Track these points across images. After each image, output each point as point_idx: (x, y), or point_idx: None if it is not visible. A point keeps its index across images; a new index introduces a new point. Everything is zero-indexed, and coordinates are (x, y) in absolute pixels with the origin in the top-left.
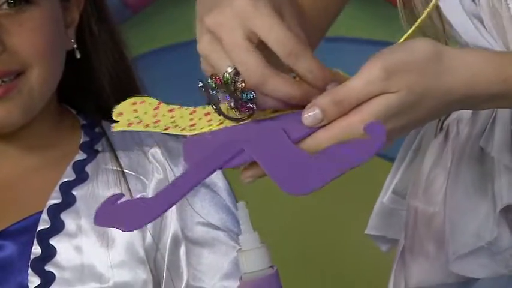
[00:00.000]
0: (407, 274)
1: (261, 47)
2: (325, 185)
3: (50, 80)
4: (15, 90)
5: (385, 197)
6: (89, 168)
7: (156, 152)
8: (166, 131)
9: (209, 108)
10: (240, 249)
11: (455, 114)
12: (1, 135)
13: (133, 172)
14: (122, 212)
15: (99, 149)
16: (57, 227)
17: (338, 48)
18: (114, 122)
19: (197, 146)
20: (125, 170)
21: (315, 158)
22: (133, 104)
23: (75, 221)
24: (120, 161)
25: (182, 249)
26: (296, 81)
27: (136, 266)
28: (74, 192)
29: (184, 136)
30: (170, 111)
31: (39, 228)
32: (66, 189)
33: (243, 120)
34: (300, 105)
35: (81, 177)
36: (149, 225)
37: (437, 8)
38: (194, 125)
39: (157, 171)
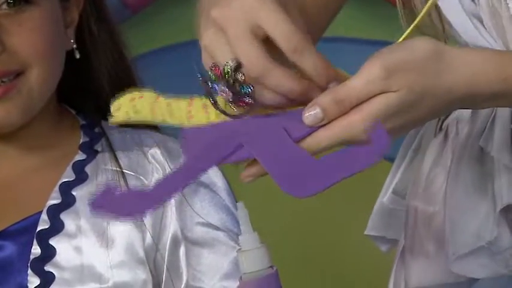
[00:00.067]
0: (407, 274)
1: (265, 44)
2: (326, 189)
3: (50, 80)
4: (14, 91)
5: (385, 197)
6: (88, 169)
7: (155, 152)
8: (164, 122)
9: (206, 100)
10: (240, 249)
11: (454, 114)
12: (0, 136)
13: (133, 172)
14: (119, 203)
15: (99, 149)
16: (56, 227)
17: (337, 48)
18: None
19: (195, 138)
20: (124, 171)
21: (318, 161)
22: (132, 99)
23: (75, 221)
24: (120, 161)
25: (182, 250)
26: (297, 76)
27: (136, 266)
28: (74, 193)
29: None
30: (168, 104)
31: (38, 229)
32: (66, 190)
33: (238, 116)
34: (299, 102)
35: (81, 177)
36: (149, 226)
37: (436, 7)
38: (192, 117)
39: (157, 171)
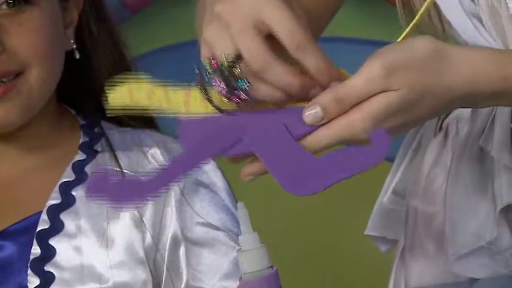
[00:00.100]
0: (407, 274)
1: (268, 41)
2: (327, 188)
3: (49, 80)
4: (14, 91)
5: (384, 197)
6: (88, 169)
7: (155, 152)
8: (161, 108)
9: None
10: (240, 249)
11: (454, 113)
12: (0, 136)
13: (133, 172)
14: (116, 190)
15: (99, 149)
16: (56, 228)
17: (336, 48)
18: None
19: (193, 128)
20: (124, 171)
21: (319, 160)
22: (130, 91)
23: (75, 221)
24: (120, 161)
25: (182, 250)
26: (297, 72)
27: (135, 266)
28: (74, 193)
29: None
30: (166, 91)
31: (38, 229)
32: (66, 190)
33: (232, 113)
34: (297, 98)
35: (81, 177)
36: (148, 226)
37: (436, 7)
38: (190, 105)
39: None
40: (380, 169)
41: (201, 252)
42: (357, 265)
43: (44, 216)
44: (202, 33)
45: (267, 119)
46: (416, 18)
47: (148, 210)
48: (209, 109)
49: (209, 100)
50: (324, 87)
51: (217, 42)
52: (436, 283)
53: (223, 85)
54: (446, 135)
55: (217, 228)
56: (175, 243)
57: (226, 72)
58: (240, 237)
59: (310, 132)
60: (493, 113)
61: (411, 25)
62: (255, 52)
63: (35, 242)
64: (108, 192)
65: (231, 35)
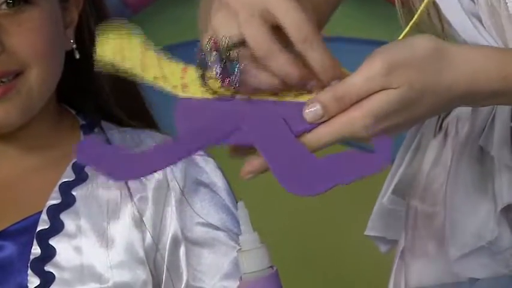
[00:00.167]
0: (407, 274)
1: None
2: (328, 190)
3: (49, 80)
4: (13, 91)
5: (384, 197)
6: (88, 169)
7: None
8: (155, 82)
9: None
10: (240, 249)
11: (454, 112)
12: (0, 136)
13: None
14: (110, 159)
15: None
16: (56, 228)
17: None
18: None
19: (190, 111)
20: None
21: (320, 161)
22: (122, 49)
23: (75, 221)
24: None
25: (182, 250)
26: (299, 63)
27: (136, 266)
28: (74, 193)
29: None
30: (159, 60)
31: (38, 229)
32: (66, 190)
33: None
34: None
35: (81, 177)
36: (149, 226)
37: (435, 6)
38: (187, 86)
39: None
40: None
41: (201, 252)
42: (357, 265)
43: (44, 216)
44: (209, 21)
45: (266, 110)
46: (416, 16)
47: (149, 210)
48: (206, 94)
49: (203, 81)
50: (323, 82)
51: (222, 27)
52: (436, 283)
53: (217, 64)
54: (446, 135)
55: (217, 228)
56: (175, 243)
57: (224, 54)
58: (240, 237)
59: (309, 130)
60: (493, 112)
61: (410, 24)
62: (259, 39)
63: (35, 242)
64: (102, 163)
65: (238, 23)
